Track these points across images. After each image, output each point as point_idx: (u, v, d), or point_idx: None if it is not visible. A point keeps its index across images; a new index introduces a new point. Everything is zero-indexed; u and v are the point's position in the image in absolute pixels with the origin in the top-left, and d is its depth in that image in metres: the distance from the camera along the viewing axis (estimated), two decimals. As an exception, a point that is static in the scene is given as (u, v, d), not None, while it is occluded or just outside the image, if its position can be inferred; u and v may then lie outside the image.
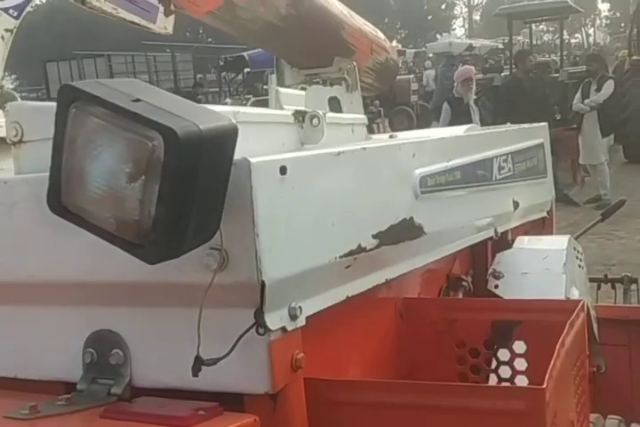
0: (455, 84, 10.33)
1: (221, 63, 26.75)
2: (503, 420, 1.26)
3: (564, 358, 1.42)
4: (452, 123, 8.57)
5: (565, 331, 1.48)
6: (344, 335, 1.53)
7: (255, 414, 1.17)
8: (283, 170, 1.19)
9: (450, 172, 1.85)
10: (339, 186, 1.37)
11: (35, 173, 1.33)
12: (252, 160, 1.13)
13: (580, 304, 1.66)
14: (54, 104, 1.21)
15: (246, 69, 25.43)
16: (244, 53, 23.88)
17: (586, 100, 10.65)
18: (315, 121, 1.59)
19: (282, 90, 1.75)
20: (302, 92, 1.91)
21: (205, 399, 1.20)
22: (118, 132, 0.99)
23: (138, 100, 0.97)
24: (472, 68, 10.65)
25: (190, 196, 0.99)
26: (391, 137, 2.13)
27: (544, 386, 1.23)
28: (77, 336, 1.32)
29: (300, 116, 1.60)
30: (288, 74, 2.40)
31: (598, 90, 10.65)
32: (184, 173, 0.97)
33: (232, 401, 1.22)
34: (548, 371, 1.28)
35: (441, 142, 1.98)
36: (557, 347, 1.39)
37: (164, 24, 2.17)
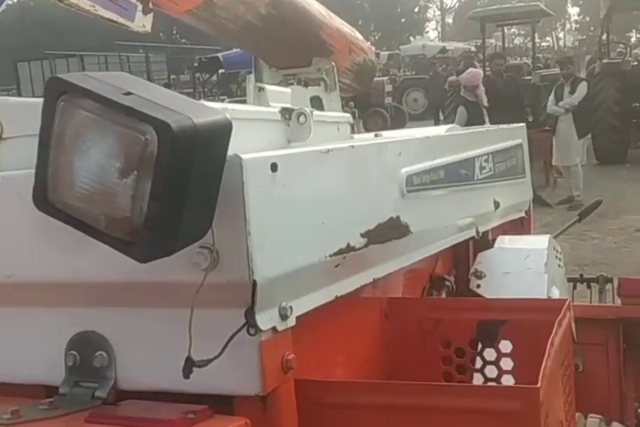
0: (462, 88, 10.36)
1: (195, 64, 26.64)
2: (497, 420, 1.24)
3: (553, 357, 1.42)
4: (468, 125, 8.58)
5: (554, 330, 1.47)
6: (329, 336, 1.51)
7: (245, 417, 1.15)
8: (273, 167, 1.17)
9: (434, 171, 1.84)
10: (328, 184, 1.35)
11: (14, 170, 1.30)
12: (244, 156, 1.11)
13: (567, 303, 1.66)
14: (35, 100, 1.17)
15: (220, 70, 25.37)
16: (219, 54, 23.84)
17: (560, 103, 10.72)
18: (302, 119, 1.57)
19: (268, 87, 1.73)
20: (288, 90, 1.88)
21: (192, 403, 1.17)
22: (109, 125, 0.95)
23: (129, 94, 0.94)
24: (480, 71, 10.71)
25: (183, 191, 0.96)
26: (376, 136, 2.12)
27: (538, 385, 1.22)
28: (59, 338, 1.28)
29: (287, 113, 1.58)
30: (266, 74, 2.37)
31: (572, 92, 10.72)
32: (178, 168, 0.94)
33: (220, 404, 1.19)
34: (541, 370, 1.27)
35: (425, 141, 1.97)
36: (548, 347, 1.38)
37: (142, 22, 2.13)
